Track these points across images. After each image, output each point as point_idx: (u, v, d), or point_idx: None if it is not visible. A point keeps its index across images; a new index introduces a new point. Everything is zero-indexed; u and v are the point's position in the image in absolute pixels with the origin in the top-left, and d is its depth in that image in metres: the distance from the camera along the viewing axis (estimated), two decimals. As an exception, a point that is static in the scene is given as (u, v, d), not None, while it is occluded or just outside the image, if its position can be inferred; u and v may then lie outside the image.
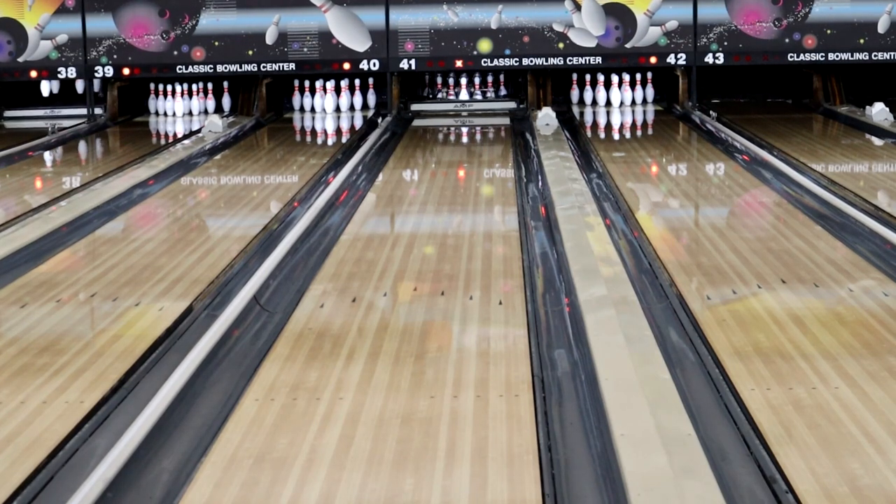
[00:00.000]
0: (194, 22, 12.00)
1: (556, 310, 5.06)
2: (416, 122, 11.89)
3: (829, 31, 11.88)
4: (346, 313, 4.97)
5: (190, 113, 12.55)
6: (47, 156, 10.32)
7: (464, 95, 12.47)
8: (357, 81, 12.49)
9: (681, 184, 8.48)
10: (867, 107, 11.13)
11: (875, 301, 4.95)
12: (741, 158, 9.09)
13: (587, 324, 4.49)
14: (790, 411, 3.70)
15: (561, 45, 11.98)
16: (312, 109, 12.52)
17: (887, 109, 10.87)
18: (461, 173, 8.78)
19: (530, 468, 3.32)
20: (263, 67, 12.04)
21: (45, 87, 12.55)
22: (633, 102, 12.48)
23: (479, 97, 12.50)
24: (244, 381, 4.13)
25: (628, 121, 11.82)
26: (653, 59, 12.01)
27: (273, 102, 12.57)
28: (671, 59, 11.99)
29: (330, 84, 12.47)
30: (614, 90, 12.44)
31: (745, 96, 12.89)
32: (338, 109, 12.48)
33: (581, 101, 12.54)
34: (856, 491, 3.12)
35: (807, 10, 11.86)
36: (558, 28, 11.96)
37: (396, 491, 3.21)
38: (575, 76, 12.55)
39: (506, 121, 11.84)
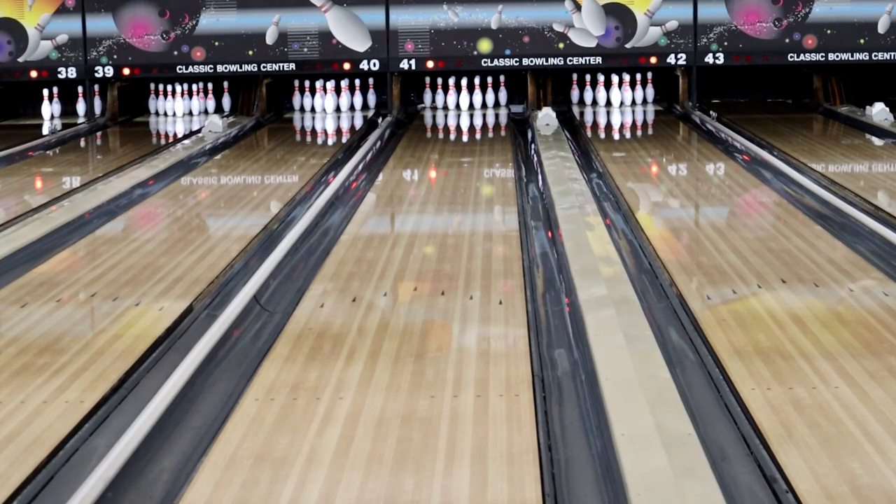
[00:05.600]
0: (194, 22, 12.00)
1: (556, 309, 5.06)
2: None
3: (829, 31, 11.88)
4: (346, 313, 4.96)
5: (190, 113, 12.55)
6: (47, 156, 10.32)
7: None
8: (357, 81, 12.49)
9: (681, 184, 8.48)
10: (867, 107, 11.13)
11: (875, 301, 4.95)
12: (741, 158, 9.09)
13: (587, 323, 4.48)
14: (790, 411, 3.70)
15: (561, 45, 11.98)
16: (312, 109, 12.52)
17: (887, 109, 10.87)
18: (461, 173, 8.78)
19: (530, 468, 3.32)
20: (263, 67, 12.04)
21: (47, 110, 12.52)
22: (633, 102, 12.48)
23: None
24: (244, 381, 4.13)
25: (628, 121, 11.82)
26: (653, 59, 12.01)
27: (273, 102, 12.58)
28: (671, 59, 11.99)
29: (330, 84, 12.47)
30: (614, 90, 12.44)
31: (745, 96, 12.89)
32: (338, 109, 12.48)
33: (581, 101, 12.54)
34: (856, 491, 3.12)
35: (807, 10, 11.86)
36: (558, 28, 11.96)
37: (396, 491, 3.21)
38: (575, 76, 12.55)
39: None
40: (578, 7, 11.93)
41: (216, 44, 12.02)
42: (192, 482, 3.29)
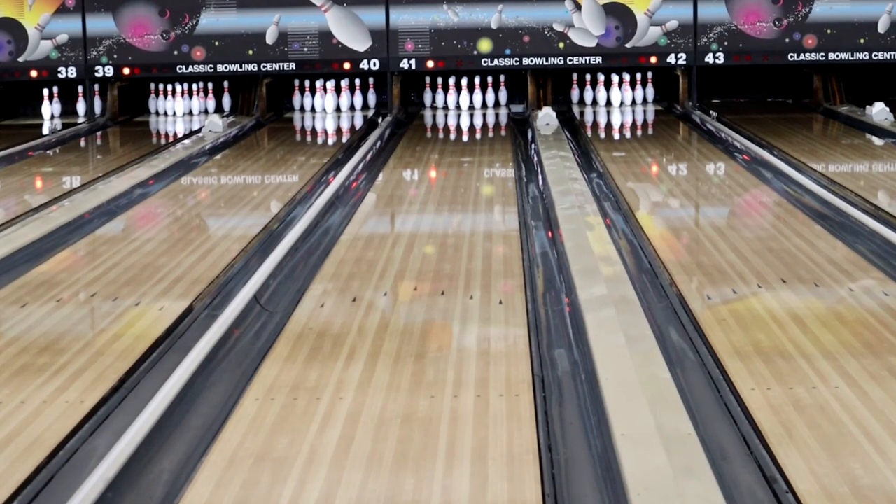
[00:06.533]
0: (194, 22, 12.00)
1: (556, 309, 5.06)
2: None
3: (829, 31, 11.88)
4: (346, 313, 4.96)
5: (190, 113, 12.55)
6: (47, 156, 10.31)
7: None
8: (357, 81, 12.49)
9: (681, 183, 8.48)
10: (867, 106, 11.13)
11: (875, 301, 4.95)
12: (741, 158, 9.09)
13: (587, 323, 4.48)
14: (790, 411, 3.70)
15: (561, 45, 11.98)
16: (313, 109, 12.52)
17: (887, 109, 10.87)
18: (461, 173, 8.78)
19: (530, 468, 3.32)
20: (263, 67, 12.04)
21: (47, 110, 12.52)
22: (634, 102, 12.48)
23: None
24: (244, 381, 4.13)
25: (628, 120, 11.82)
26: (653, 59, 12.01)
27: (273, 102, 12.57)
28: (671, 59, 11.99)
29: (330, 84, 12.47)
30: (614, 90, 12.44)
31: (745, 96, 12.89)
32: (338, 109, 12.48)
33: (581, 101, 12.54)
34: (856, 491, 3.12)
35: (807, 9, 11.86)
36: (558, 28, 11.96)
37: (396, 491, 3.21)
38: (575, 76, 12.55)
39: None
40: (578, 7, 11.92)
41: (216, 43, 12.02)
42: (192, 482, 3.29)
